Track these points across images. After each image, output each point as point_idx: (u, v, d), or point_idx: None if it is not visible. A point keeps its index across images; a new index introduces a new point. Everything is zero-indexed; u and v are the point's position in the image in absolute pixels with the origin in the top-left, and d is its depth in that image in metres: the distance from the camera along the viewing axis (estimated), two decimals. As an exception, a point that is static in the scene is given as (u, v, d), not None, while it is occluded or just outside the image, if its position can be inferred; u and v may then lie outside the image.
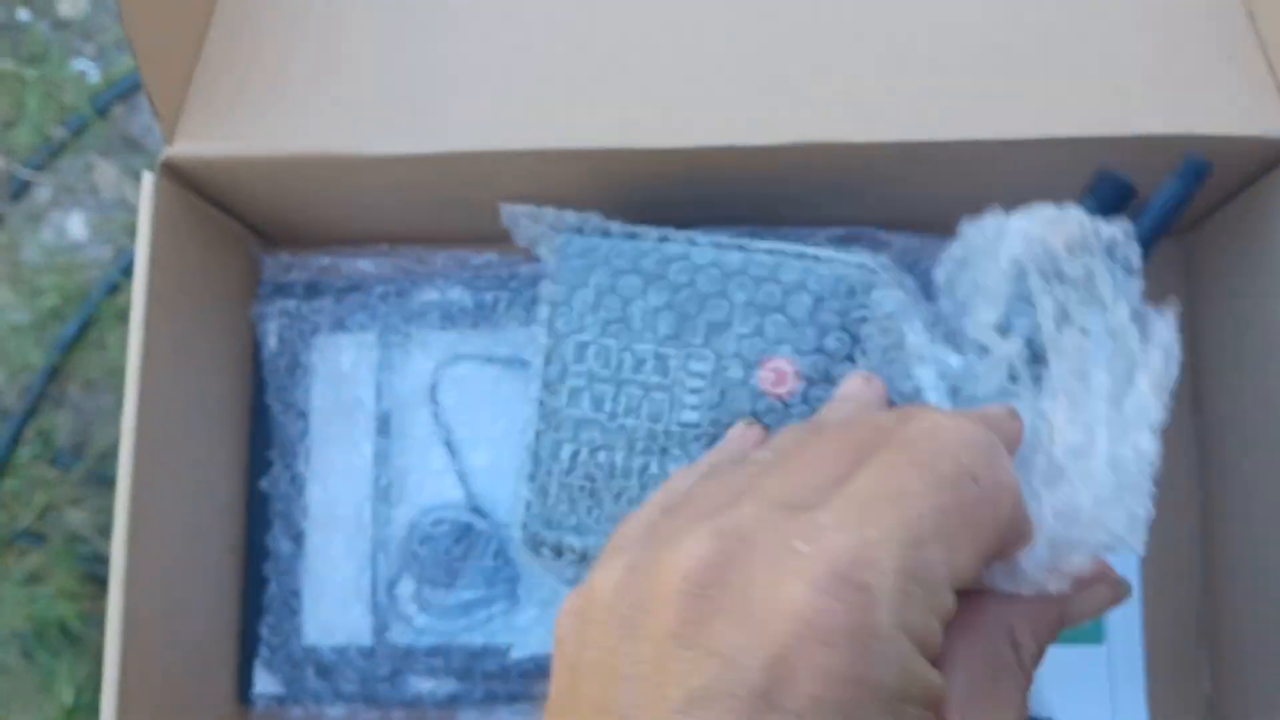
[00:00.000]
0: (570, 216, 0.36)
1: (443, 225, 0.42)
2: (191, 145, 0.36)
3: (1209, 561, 0.41)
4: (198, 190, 0.39)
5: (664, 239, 0.36)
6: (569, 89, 0.36)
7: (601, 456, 0.35)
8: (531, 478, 0.35)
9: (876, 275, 0.34)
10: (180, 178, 0.38)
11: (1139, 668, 0.41)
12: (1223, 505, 0.40)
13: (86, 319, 0.83)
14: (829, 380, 0.34)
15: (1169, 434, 0.42)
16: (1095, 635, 0.41)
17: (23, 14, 0.91)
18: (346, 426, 0.42)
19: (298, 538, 0.41)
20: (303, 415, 0.42)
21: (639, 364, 0.35)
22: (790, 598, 0.19)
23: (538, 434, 0.35)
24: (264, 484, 0.42)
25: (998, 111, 0.35)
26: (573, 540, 0.35)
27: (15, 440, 0.82)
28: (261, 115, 0.37)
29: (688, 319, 0.35)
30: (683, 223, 0.40)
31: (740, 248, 0.35)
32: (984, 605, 0.24)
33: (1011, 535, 0.23)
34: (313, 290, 0.42)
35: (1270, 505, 0.36)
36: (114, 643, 0.33)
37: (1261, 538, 0.37)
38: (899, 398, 0.32)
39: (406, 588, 0.40)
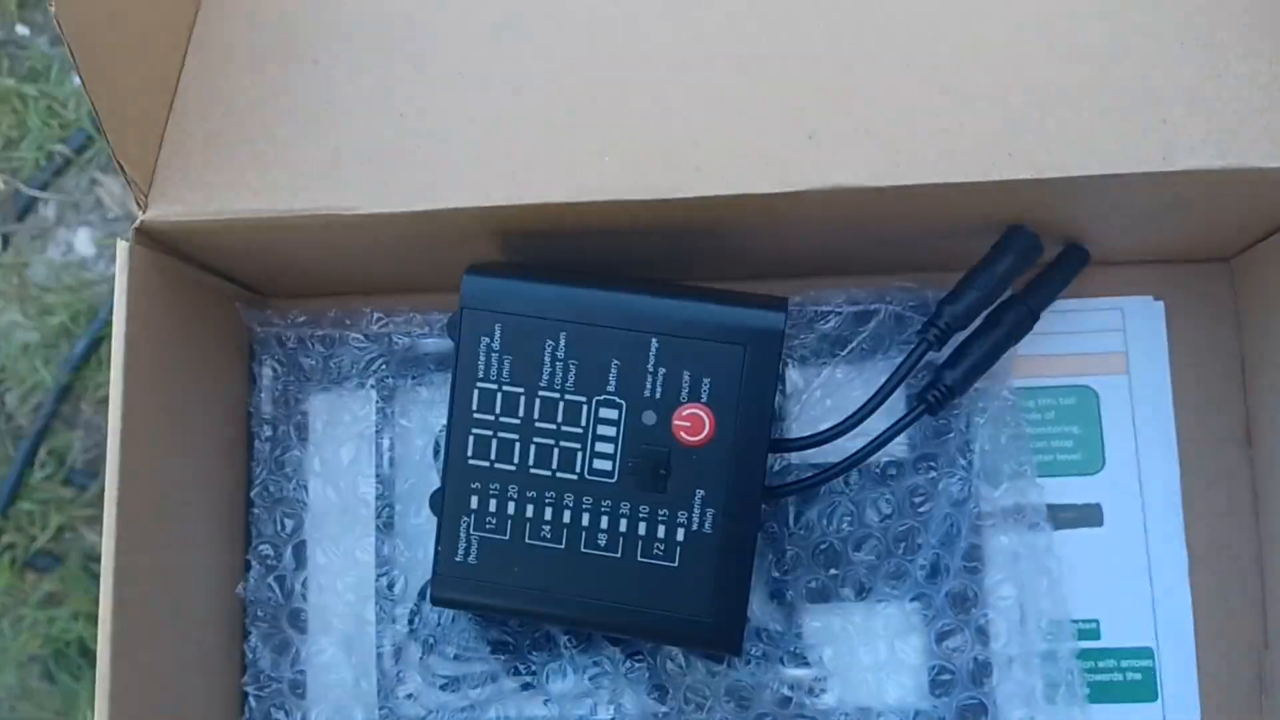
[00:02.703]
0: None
1: (441, 275, 0.40)
2: (168, 209, 0.34)
3: (1269, 611, 0.38)
4: (180, 254, 0.37)
5: (573, 281, 0.34)
6: (562, 141, 0.34)
7: (511, 509, 0.34)
8: (439, 534, 0.35)
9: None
10: (160, 244, 0.35)
11: (1196, 726, 0.38)
12: (1282, 550, 0.37)
13: (96, 336, 0.82)
14: (748, 427, 0.33)
15: (1221, 474, 0.40)
16: (1150, 693, 0.38)
17: (22, 30, 0.90)
18: (345, 522, 0.40)
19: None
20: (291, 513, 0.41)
21: (548, 412, 0.34)
22: None
23: (442, 486, 0.35)
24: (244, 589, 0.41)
25: (1030, 149, 0.32)
26: (491, 599, 0.35)
27: (29, 461, 0.81)
28: (240, 175, 0.34)
29: (599, 365, 0.34)
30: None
31: (654, 292, 0.34)
32: None
33: None
34: (304, 375, 0.41)
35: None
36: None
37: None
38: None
39: (412, 669, 0.39)
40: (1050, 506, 0.39)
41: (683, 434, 0.34)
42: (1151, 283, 0.40)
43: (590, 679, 0.38)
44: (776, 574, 0.38)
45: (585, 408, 0.34)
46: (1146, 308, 0.40)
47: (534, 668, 0.38)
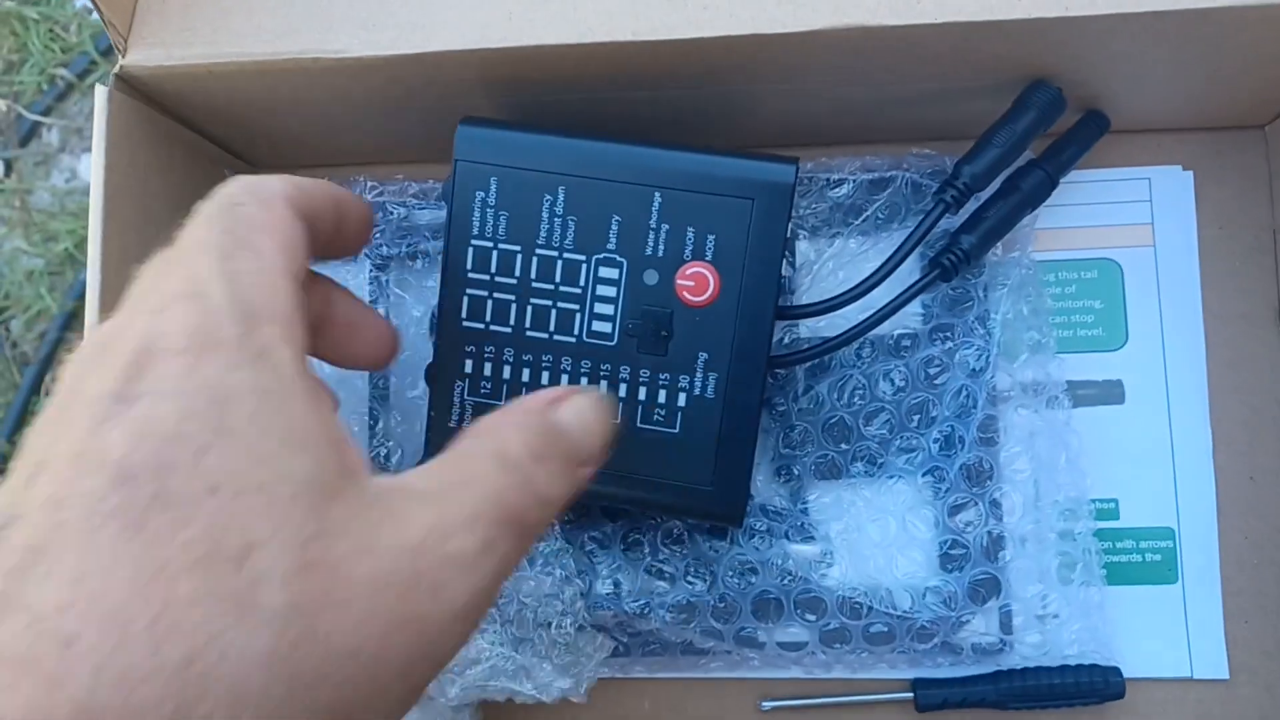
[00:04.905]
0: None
1: (435, 144, 0.39)
2: (149, 53, 0.33)
3: (1296, 491, 0.37)
4: (163, 108, 0.35)
5: (573, 133, 0.32)
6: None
7: (507, 373, 0.33)
8: (431, 399, 0.34)
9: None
10: (142, 93, 0.34)
11: (1217, 609, 0.37)
12: (1312, 429, 0.36)
13: (101, 263, 0.81)
14: (754, 287, 0.32)
15: (1248, 351, 0.38)
16: (1170, 575, 0.37)
17: (20, -49, 0.88)
18: (340, 394, 0.39)
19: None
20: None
21: (545, 271, 0.32)
22: None
23: (436, 350, 0.33)
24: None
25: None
26: None
27: (35, 388, 0.80)
28: (224, 18, 0.33)
29: (599, 222, 0.32)
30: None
31: (657, 145, 0.32)
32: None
33: None
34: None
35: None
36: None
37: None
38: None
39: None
40: (1070, 383, 0.37)
41: (685, 294, 0.32)
42: (1181, 151, 0.39)
43: (587, 553, 0.36)
44: (785, 450, 0.37)
45: (584, 267, 0.33)
46: (1175, 177, 0.38)
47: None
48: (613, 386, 0.33)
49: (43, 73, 0.85)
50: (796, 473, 0.37)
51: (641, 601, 0.36)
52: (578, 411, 0.26)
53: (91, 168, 0.32)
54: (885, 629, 0.36)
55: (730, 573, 0.36)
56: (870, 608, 0.36)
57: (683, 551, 0.36)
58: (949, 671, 0.36)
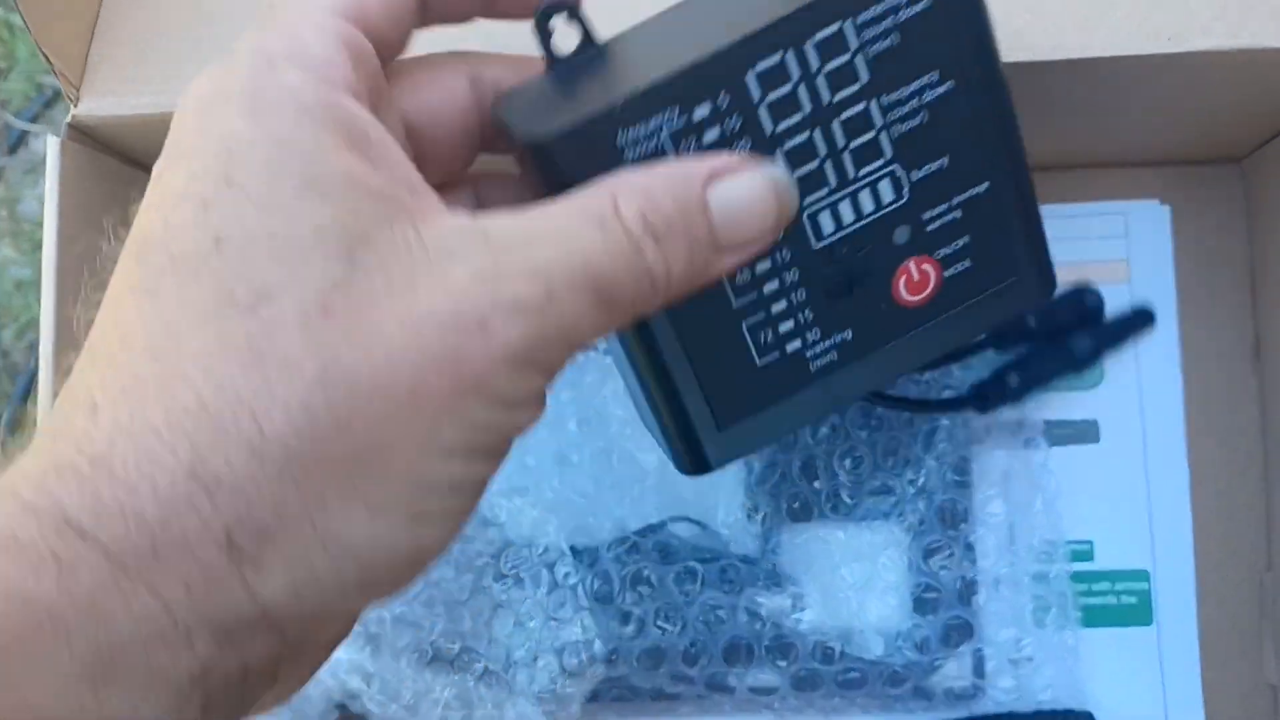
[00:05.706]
0: None
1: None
2: (102, 102, 0.32)
3: (1273, 532, 0.36)
4: (120, 155, 0.35)
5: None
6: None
7: None
8: None
9: None
10: (97, 141, 0.33)
11: (1193, 651, 0.36)
12: (1290, 468, 0.35)
13: (91, 273, 0.81)
14: (963, 298, 0.26)
15: (1227, 389, 0.38)
16: (1145, 617, 0.37)
17: (5, -43, 0.87)
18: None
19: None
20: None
21: (854, 126, 0.24)
22: None
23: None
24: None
25: (1028, 31, 0.30)
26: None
27: (25, 396, 0.80)
28: (176, 65, 0.32)
29: (944, 142, 0.25)
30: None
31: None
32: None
33: None
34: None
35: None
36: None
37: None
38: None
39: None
40: (1045, 423, 0.37)
41: (903, 280, 0.26)
42: (1158, 185, 0.38)
43: (549, 594, 0.36)
44: (756, 486, 0.36)
45: (882, 165, 0.24)
46: (1152, 212, 0.38)
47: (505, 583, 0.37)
48: (756, 283, 0.25)
49: (30, 80, 0.85)
50: (767, 513, 0.36)
51: (610, 647, 0.36)
52: (743, 192, 0.21)
53: (45, 218, 0.32)
54: (858, 674, 0.35)
55: (700, 617, 0.36)
56: (843, 652, 0.35)
57: (651, 595, 0.36)
58: (922, 718, 0.36)
